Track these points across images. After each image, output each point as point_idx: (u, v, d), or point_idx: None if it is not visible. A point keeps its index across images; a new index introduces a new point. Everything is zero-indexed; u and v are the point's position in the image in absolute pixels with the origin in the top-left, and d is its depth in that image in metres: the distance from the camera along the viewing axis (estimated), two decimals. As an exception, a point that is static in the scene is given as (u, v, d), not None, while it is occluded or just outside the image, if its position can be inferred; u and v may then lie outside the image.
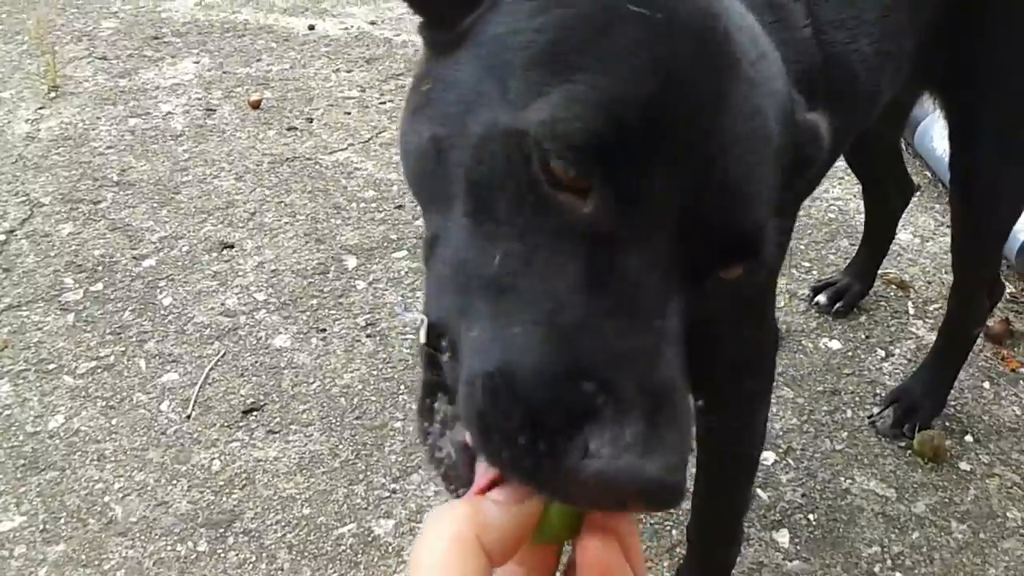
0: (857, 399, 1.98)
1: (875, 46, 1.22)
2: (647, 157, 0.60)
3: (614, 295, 0.59)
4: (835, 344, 2.12)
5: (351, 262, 2.39)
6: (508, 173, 0.62)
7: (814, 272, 2.32)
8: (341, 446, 1.89)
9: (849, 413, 1.95)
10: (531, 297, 0.60)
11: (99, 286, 2.29)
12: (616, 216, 0.60)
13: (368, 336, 2.15)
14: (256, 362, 2.08)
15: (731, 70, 0.65)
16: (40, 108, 3.03)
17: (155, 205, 2.57)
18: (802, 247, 2.41)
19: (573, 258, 0.60)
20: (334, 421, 1.94)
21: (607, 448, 0.52)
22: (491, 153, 0.63)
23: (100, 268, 2.34)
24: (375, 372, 2.06)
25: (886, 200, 2.17)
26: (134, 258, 2.38)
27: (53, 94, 3.10)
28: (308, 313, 2.22)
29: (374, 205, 2.60)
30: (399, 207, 2.58)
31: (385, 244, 2.44)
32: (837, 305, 2.18)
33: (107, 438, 1.90)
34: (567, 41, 0.63)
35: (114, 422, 1.93)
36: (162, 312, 2.21)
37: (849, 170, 2.33)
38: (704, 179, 0.62)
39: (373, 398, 1.99)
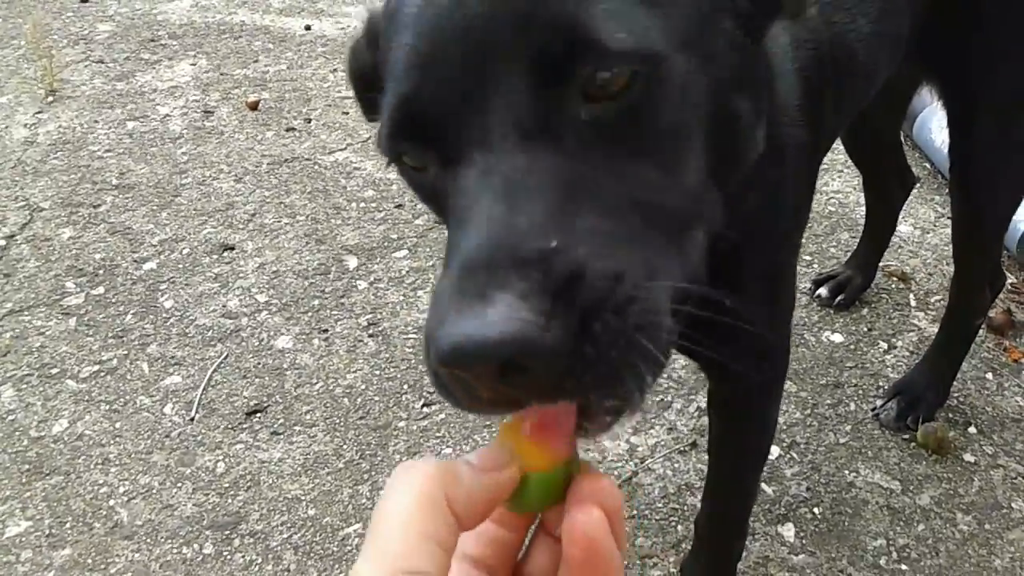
0: (860, 392, 1.98)
1: (872, 26, 1.24)
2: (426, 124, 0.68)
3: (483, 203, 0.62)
4: (837, 337, 2.12)
5: (352, 262, 2.39)
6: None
7: (815, 265, 2.32)
8: (345, 446, 1.89)
9: (852, 406, 1.95)
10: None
11: (100, 290, 2.29)
12: (444, 168, 0.68)
13: (370, 336, 2.15)
14: (259, 364, 2.08)
15: None
16: (38, 112, 3.03)
17: (155, 208, 2.57)
18: (803, 240, 2.40)
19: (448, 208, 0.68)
20: (338, 422, 1.94)
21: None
22: None
23: (101, 272, 2.34)
24: (378, 372, 2.06)
25: (887, 192, 2.17)
26: (135, 261, 2.38)
27: (51, 98, 3.10)
28: (310, 314, 2.22)
29: (374, 205, 2.60)
30: (399, 206, 2.58)
31: (385, 244, 2.44)
32: (839, 298, 2.18)
33: (111, 442, 1.90)
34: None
35: (118, 426, 1.93)
36: (164, 315, 2.21)
37: (849, 162, 2.32)
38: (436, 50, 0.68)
39: (376, 398, 1.99)
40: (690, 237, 0.72)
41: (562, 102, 0.64)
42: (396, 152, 0.73)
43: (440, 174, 0.69)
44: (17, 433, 1.92)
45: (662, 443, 1.86)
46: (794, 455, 1.84)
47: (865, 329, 2.14)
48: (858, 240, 2.26)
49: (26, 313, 2.22)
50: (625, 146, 0.66)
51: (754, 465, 1.44)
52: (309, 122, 2.98)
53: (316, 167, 2.76)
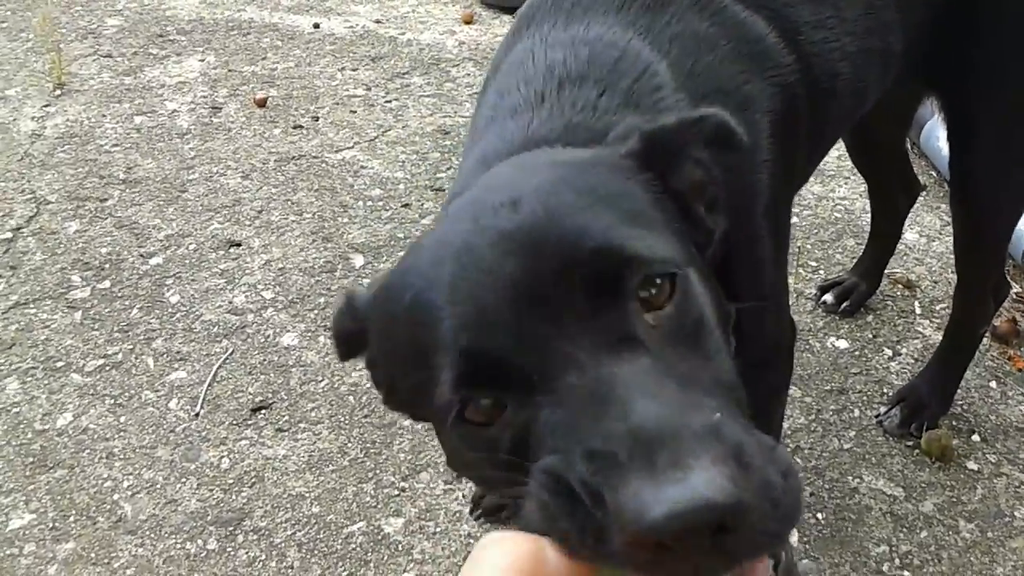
0: (865, 398, 1.98)
1: (858, 43, 1.25)
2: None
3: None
4: (842, 343, 2.12)
5: (358, 260, 2.39)
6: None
7: (821, 271, 2.32)
8: (350, 444, 1.89)
9: (857, 412, 1.95)
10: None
11: (106, 284, 2.29)
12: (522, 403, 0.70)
13: (375, 334, 2.15)
14: (264, 360, 2.09)
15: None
16: (46, 106, 3.03)
17: (162, 203, 2.58)
18: (808, 246, 2.41)
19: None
20: (343, 419, 1.94)
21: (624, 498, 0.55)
22: None
23: (107, 266, 2.35)
24: (383, 370, 2.06)
25: (892, 199, 2.17)
26: (141, 256, 2.38)
27: (59, 92, 3.10)
28: (316, 311, 2.22)
29: (380, 204, 2.60)
30: (405, 206, 2.58)
31: (392, 243, 2.45)
32: (844, 304, 2.18)
33: (116, 436, 1.90)
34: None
35: (122, 420, 1.94)
36: (170, 310, 2.22)
37: (855, 170, 2.32)
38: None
39: (381, 396, 1.99)
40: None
41: (628, 315, 0.70)
42: (464, 400, 0.73)
43: (517, 411, 0.70)
44: (21, 426, 1.92)
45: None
46: (798, 460, 1.84)
47: (870, 336, 2.15)
48: (864, 247, 2.26)
49: (32, 306, 2.22)
50: (683, 341, 0.73)
51: None
52: (317, 120, 2.98)
53: (323, 165, 2.77)
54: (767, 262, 1.22)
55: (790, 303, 2.19)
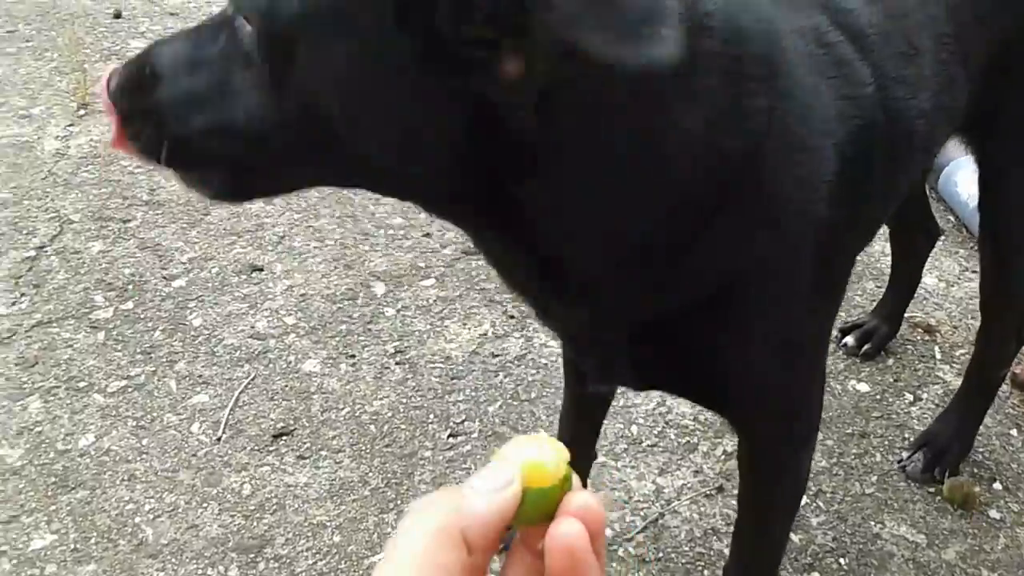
0: (886, 443, 1.99)
1: (932, 101, 1.24)
2: None
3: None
4: (863, 387, 2.13)
5: (379, 289, 2.40)
6: None
7: (841, 314, 2.32)
8: (371, 474, 1.89)
9: (878, 457, 1.95)
10: None
11: (129, 305, 2.30)
12: None
13: (397, 363, 2.16)
14: (286, 386, 2.09)
15: None
16: (69, 125, 3.05)
17: (185, 225, 2.59)
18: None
19: None
20: (364, 448, 1.94)
21: None
22: None
23: (130, 287, 2.35)
24: (404, 400, 2.06)
25: (912, 244, 2.19)
26: (164, 278, 2.39)
27: (82, 112, 3.12)
28: (337, 338, 2.23)
29: (402, 232, 2.61)
30: (426, 235, 2.59)
31: (413, 272, 2.46)
32: (865, 347, 2.19)
33: (138, 458, 1.90)
34: None
35: (144, 442, 1.94)
36: (192, 333, 2.22)
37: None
38: None
39: (403, 426, 2.00)
40: None
41: None
42: None
43: None
44: (43, 445, 1.92)
45: (688, 485, 1.86)
46: (820, 504, 1.84)
47: (891, 380, 2.15)
48: (884, 290, 2.27)
49: (55, 325, 2.23)
50: None
51: (783, 518, 1.44)
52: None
53: (345, 192, 2.78)
54: (802, 305, 1.18)
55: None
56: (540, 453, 0.57)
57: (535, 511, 0.55)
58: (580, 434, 1.66)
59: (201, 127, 0.92)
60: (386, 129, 0.85)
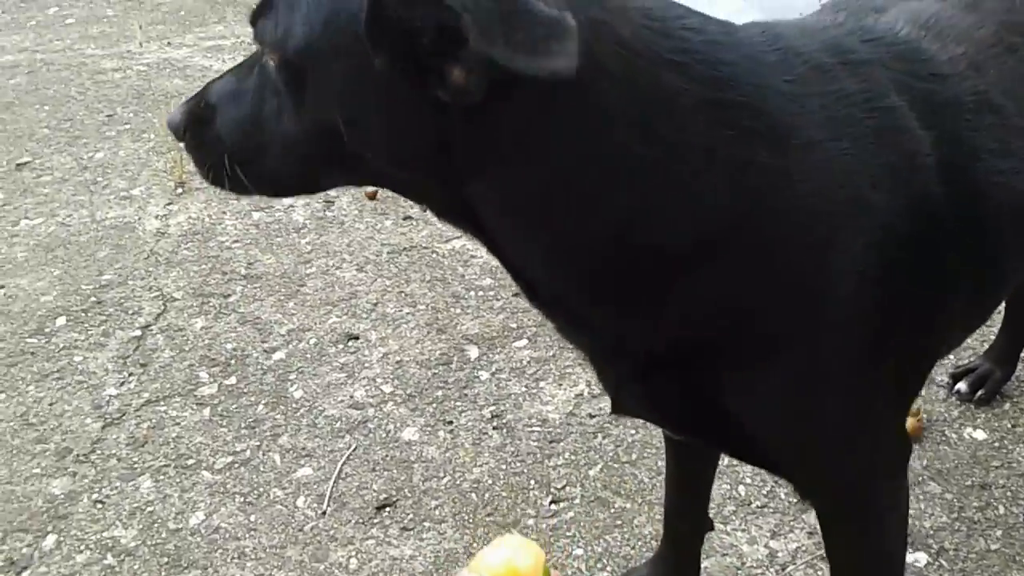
0: (1009, 494, 1.89)
1: None
2: None
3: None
4: (980, 434, 2.04)
5: (473, 352, 2.41)
6: None
7: (951, 356, 2.24)
8: (475, 544, 1.88)
9: (1002, 509, 1.86)
10: None
11: (232, 380, 2.35)
12: None
13: (495, 428, 2.16)
14: (387, 456, 2.10)
15: None
16: (168, 204, 3.17)
17: (282, 298, 2.65)
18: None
19: None
20: (467, 518, 1.94)
21: None
22: None
23: (233, 362, 2.41)
24: (504, 466, 2.06)
25: None
26: (264, 351, 2.44)
27: (180, 190, 3.24)
28: (434, 405, 2.24)
29: (492, 293, 2.63)
30: (516, 295, 2.60)
31: (505, 333, 2.46)
32: (979, 393, 2.10)
33: (247, 535, 1.93)
34: None
35: (252, 518, 1.97)
36: (294, 405, 2.26)
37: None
38: None
39: (504, 493, 1.99)
40: None
41: None
42: None
43: None
44: (156, 525, 1.97)
45: (803, 548, 1.80)
46: (943, 563, 1.76)
47: (1009, 425, 2.06)
48: (997, 331, 2.18)
49: (162, 403, 2.29)
50: None
51: None
52: (425, 210, 3.04)
53: (434, 255, 2.81)
54: (826, 379, 1.09)
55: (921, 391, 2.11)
56: (515, 556, 0.57)
57: None
58: (686, 499, 1.62)
59: (250, 144, 1.07)
60: (377, 135, 0.97)
